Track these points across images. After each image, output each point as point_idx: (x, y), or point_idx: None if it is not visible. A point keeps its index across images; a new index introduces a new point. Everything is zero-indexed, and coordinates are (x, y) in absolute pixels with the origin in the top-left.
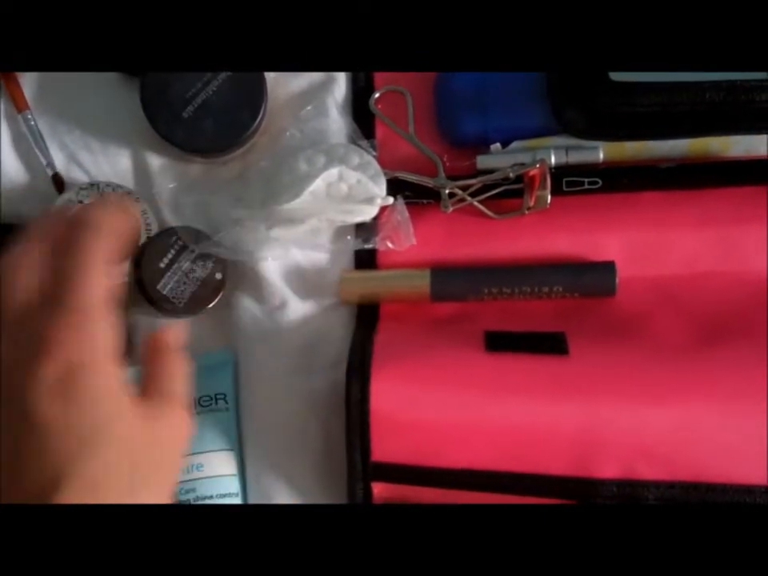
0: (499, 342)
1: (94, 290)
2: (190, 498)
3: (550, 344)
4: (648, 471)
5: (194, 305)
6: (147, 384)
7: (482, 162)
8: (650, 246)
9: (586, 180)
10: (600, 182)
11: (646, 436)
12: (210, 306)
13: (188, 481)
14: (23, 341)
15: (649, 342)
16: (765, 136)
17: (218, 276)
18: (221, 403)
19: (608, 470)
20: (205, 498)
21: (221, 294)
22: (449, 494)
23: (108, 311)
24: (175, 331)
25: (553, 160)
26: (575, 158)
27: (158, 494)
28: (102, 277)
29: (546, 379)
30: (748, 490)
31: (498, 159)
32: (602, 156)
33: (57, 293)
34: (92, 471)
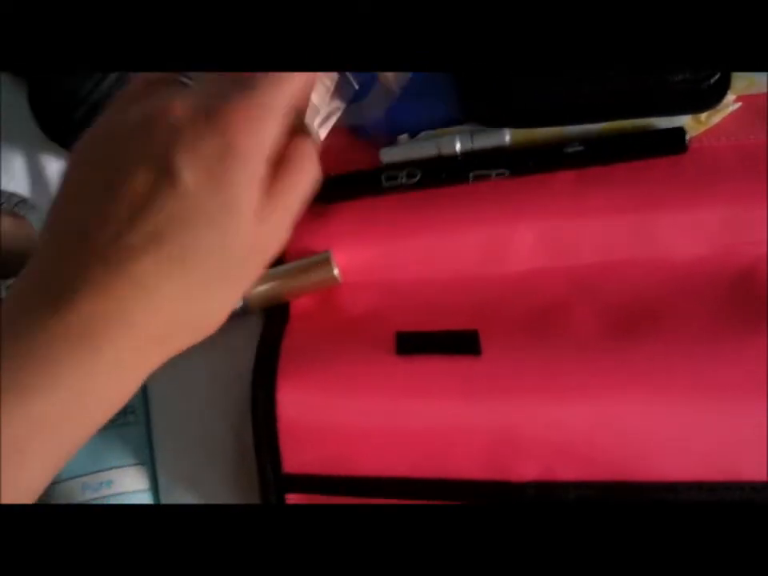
0: (410, 344)
1: (285, 96)
2: None
3: (463, 343)
4: (566, 472)
5: None
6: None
7: (386, 154)
8: (561, 234)
9: (494, 172)
10: (507, 171)
11: (562, 435)
12: None
13: (98, 498)
14: (201, 107)
15: (564, 335)
16: None
17: None
18: (130, 417)
19: (525, 471)
20: None
21: None
22: (363, 502)
23: (282, 123)
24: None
25: (458, 147)
26: (481, 142)
27: (234, 290)
28: (291, 95)
29: (457, 380)
30: (671, 486)
31: (402, 151)
32: (508, 139)
33: (250, 83)
34: (188, 244)
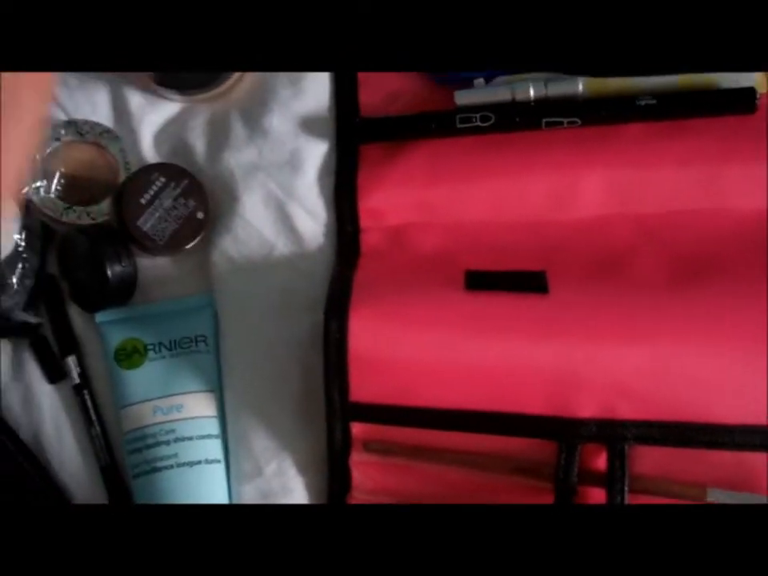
0: (479, 281)
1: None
2: (170, 438)
3: (530, 283)
4: (627, 410)
5: (174, 243)
6: None
7: (460, 97)
8: (631, 183)
9: (566, 120)
10: (579, 121)
11: (624, 375)
12: (191, 245)
13: (168, 422)
14: None
15: (629, 280)
16: None
17: (200, 215)
18: (201, 345)
19: (587, 409)
20: (184, 438)
21: (202, 233)
22: (427, 433)
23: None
24: None
25: (532, 93)
26: (555, 90)
27: None
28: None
29: (524, 318)
30: (727, 429)
31: (476, 94)
32: (581, 88)
33: None
34: None
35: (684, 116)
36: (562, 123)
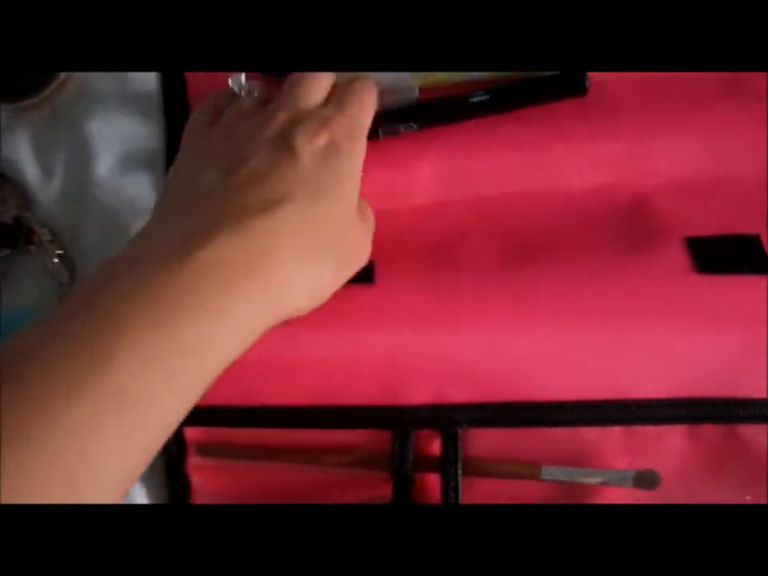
0: None
1: (369, 118)
2: None
3: (357, 275)
4: (457, 395)
5: None
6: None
7: None
8: (461, 168)
9: (402, 126)
10: (415, 126)
11: (453, 360)
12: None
13: None
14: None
15: (461, 264)
16: None
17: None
18: None
19: (418, 396)
20: None
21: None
22: (264, 432)
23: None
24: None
25: None
26: (390, 98)
27: (332, 277)
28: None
29: (351, 310)
30: (559, 406)
31: None
32: (417, 92)
33: (344, 103)
34: (302, 209)
35: (518, 107)
36: (399, 130)
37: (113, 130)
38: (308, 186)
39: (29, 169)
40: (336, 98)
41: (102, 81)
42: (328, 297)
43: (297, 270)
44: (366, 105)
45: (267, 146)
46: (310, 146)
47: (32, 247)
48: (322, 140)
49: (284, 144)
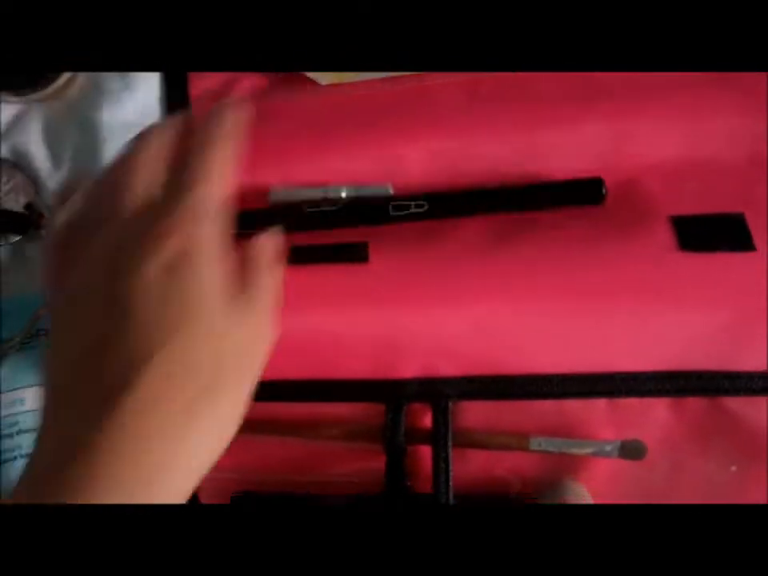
0: (298, 256)
1: (214, 192)
2: (14, 431)
3: (350, 253)
4: (448, 368)
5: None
6: (239, 284)
7: (275, 195)
8: (450, 154)
9: (413, 203)
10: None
11: (443, 336)
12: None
13: (11, 415)
14: (138, 228)
15: (453, 244)
16: None
17: (29, 212)
18: (42, 339)
19: (409, 370)
20: (27, 430)
21: (31, 229)
22: (261, 406)
23: (219, 215)
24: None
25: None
26: None
27: (234, 400)
28: (221, 183)
29: (344, 288)
30: (546, 379)
31: (291, 194)
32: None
33: (179, 189)
34: (170, 364)
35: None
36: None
37: (119, 121)
38: (157, 334)
39: (39, 158)
40: (178, 171)
41: (109, 75)
42: (241, 418)
43: (192, 431)
44: (214, 178)
45: (98, 301)
46: (145, 280)
47: (42, 232)
48: (155, 263)
49: (111, 294)
